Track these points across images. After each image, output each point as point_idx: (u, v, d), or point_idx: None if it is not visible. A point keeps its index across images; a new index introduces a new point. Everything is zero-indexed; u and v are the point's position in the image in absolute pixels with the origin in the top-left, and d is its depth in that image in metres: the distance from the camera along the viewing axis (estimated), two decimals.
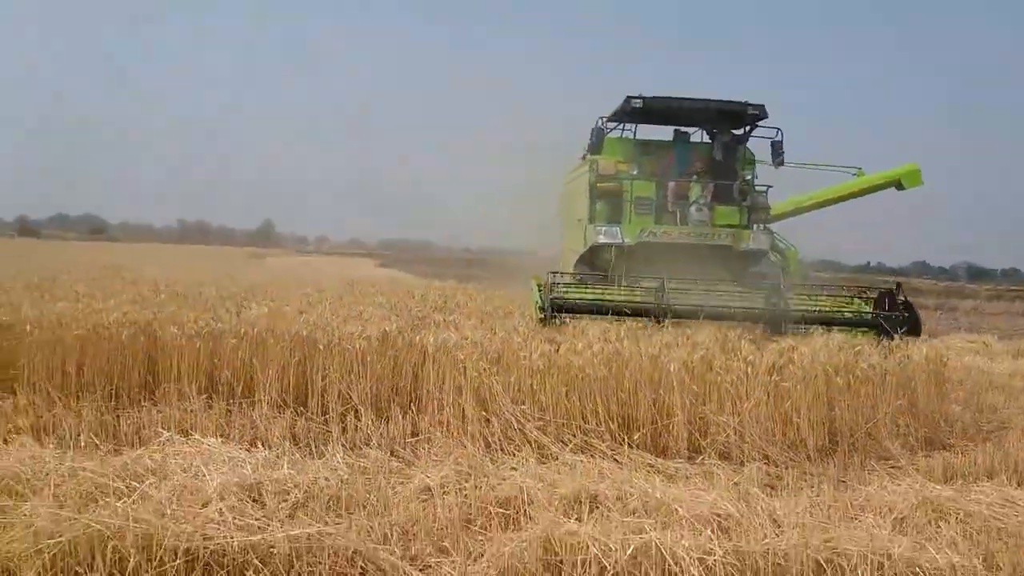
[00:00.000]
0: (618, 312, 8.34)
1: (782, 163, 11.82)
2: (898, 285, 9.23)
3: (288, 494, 4.23)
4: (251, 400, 6.32)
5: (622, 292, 9.12)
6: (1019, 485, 5.07)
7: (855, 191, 14.79)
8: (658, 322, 8.17)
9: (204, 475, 4.21)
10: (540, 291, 8.84)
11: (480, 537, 3.94)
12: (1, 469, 4.17)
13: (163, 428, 5.46)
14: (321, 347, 6.38)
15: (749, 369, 6.21)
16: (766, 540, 3.74)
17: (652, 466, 5.47)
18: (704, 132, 13.03)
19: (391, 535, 3.83)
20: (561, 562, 3.54)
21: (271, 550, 3.50)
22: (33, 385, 6.20)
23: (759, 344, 6.71)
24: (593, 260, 11.92)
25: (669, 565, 3.50)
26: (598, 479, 4.73)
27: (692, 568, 3.47)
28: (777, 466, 5.73)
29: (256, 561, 3.43)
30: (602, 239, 11.44)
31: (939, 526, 4.19)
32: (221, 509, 3.80)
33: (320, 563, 3.50)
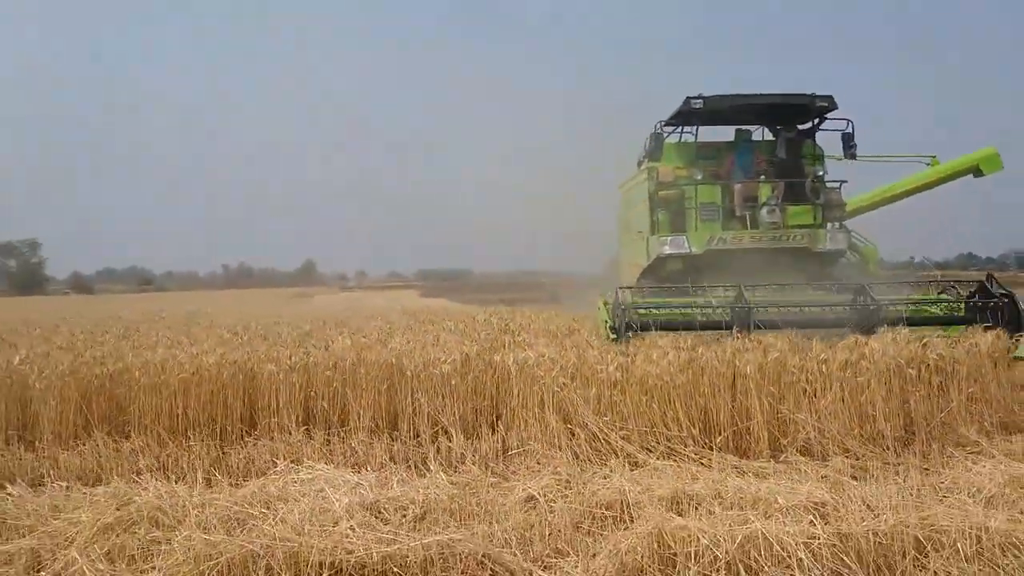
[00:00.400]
0: (695, 327, 7.84)
1: (854, 156, 11.24)
2: (990, 276, 8.65)
3: (407, 509, 4.56)
4: (346, 428, 6.68)
5: (697, 304, 8.54)
6: None
7: (931, 181, 13.99)
8: (741, 335, 7.47)
9: (329, 497, 4.56)
10: (608, 309, 8.42)
11: (591, 538, 4.21)
12: (145, 504, 4.54)
13: (274, 459, 5.84)
14: (408, 373, 6.72)
15: (823, 367, 6.41)
16: (865, 523, 3.96)
17: (737, 467, 5.68)
18: (766, 130, 12.42)
19: (511, 540, 4.11)
20: (675, 554, 3.80)
21: (406, 558, 3.81)
22: (144, 427, 6.62)
23: (830, 342, 6.87)
24: (658, 272, 11.29)
25: (777, 551, 3.74)
26: (691, 480, 5.00)
27: (799, 552, 3.70)
28: (859, 458, 5.91)
29: (395, 569, 3.75)
30: (667, 250, 10.88)
31: None
32: (352, 526, 4.13)
33: (452, 567, 3.81)
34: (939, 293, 8.89)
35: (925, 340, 7.00)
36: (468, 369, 6.87)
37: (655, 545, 3.83)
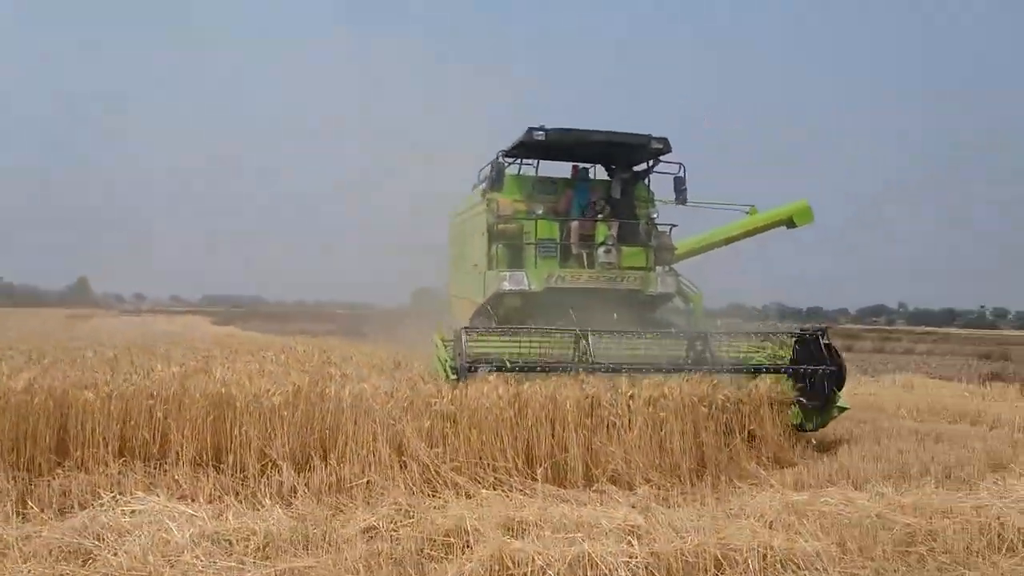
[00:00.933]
0: (537, 368, 7.76)
1: (684, 201, 11.25)
2: (823, 329, 8.90)
3: (249, 540, 4.63)
4: (167, 460, 6.50)
5: (540, 344, 8.40)
6: (855, 488, 6.19)
7: (748, 230, 13.95)
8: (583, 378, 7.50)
9: (168, 528, 4.53)
10: (446, 347, 8.10)
11: (435, 563, 4.49)
12: None
13: (96, 490, 5.62)
14: (238, 404, 6.67)
15: (630, 403, 7.10)
16: (672, 543, 4.55)
17: (556, 495, 6.18)
18: (603, 168, 12.25)
19: (358, 567, 4.31)
20: (512, 575, 4.18)
21: None
22: None
23: (635, 380, 7.56)
24: (496, 309, 10.70)
25: (601, 568, 4.22)
26: (520, 508, 5.40)
27: (620, 570, 4.21)
28: (660, 488, 6.61)
29: None
30: (507, 286, 10.37)
31: (802, 523, 5.15)
32: (198, 555, 4.18)
33: None
34: (777, 346, 9.06)
35: (715, 382, 7.86)
36: (300, 401, 6.92)
37: (496, 567, 4.20)
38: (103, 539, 4.43)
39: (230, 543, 4.52)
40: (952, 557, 4.89)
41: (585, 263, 10.93)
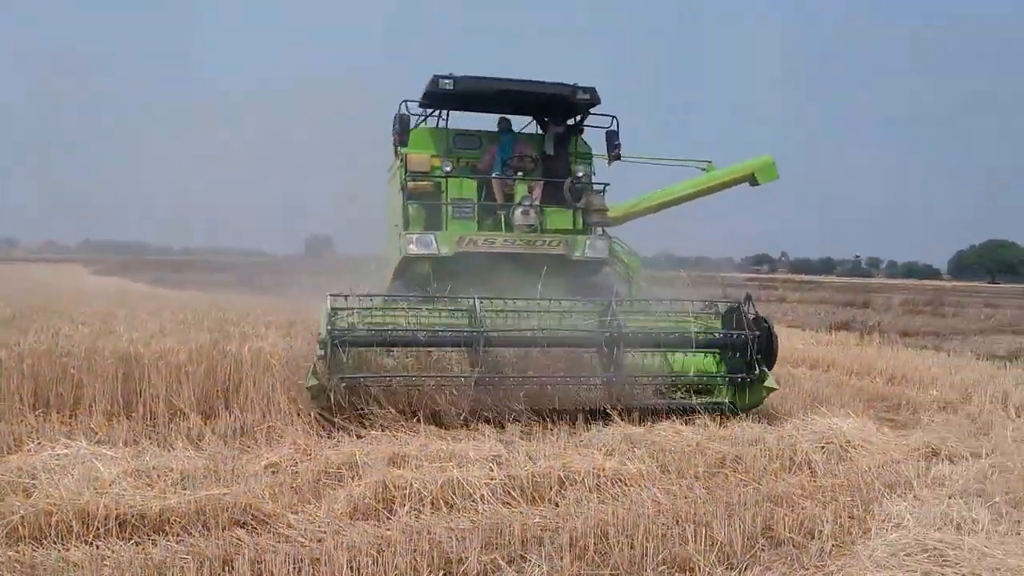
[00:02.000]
0: (420, 344, 7.33)
1: (618, 157, 10.61)
2: (748, 297, 8.24)
3: (168, 475, 5.39)
4: (80, 410, 7.13)
5: (429, 317, 7.79)
6: (685, 423, 7.39)
7: (703, 188, 12.84)
8: (474, 357, 7.26)
9: (95, 467, 5.24)
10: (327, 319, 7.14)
11: (330, 489, 5.39)
12: None
13: (18, 439, 6.24)
14: (146, 361, 7.34)
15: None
16: (526, 467, 5.60)
17: (437, 435, 7.14)
18: (536, 122, 11.45)
19: (264, 495, 5.15)
20: (394, 496, 5.13)
21: (180, 510, 4.72)
22: None
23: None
24: (406, 274, 10.25)
25: (466, 489, 5.23)
26: (404, 445, 6.34)
27: (481, 488, 5.22)
28: (527, 426, 7.65)
29: (174, 518, 4.65)
30: (413, 249, 9.78)
31: (634, 451, 6.31)
32: (125, 488, 4.93)
33: (220, 516, 4.77)
34: (694, 315, 8.42)
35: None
36: (202, 358, 7.64)
37: (380, 490, 5.14)
38: (38, 477, 5.08)
39: (151, 478, 5.27)
40: (750, 476, 6.12)
41: (504, 227, 10.26)
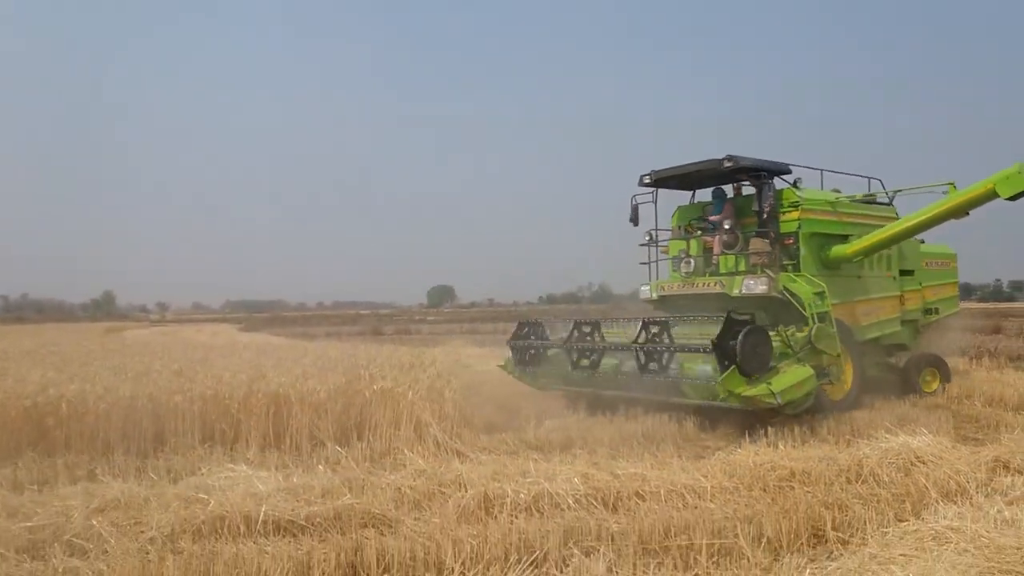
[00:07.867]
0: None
1: (764, 213, 11.48)
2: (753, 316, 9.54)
3: (312, 490, 6.57)
4: (239, 443, 8.52)
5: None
6: (758, 443, 8.00)
7: (943, 211, 11.69)
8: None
9: (254, 484, 6.50)
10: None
11: (442, 499, 6.42)
12: (123, 494, 6.28)
13: (194, 465, 7.64)
14: (293, 400, 8.68)
15: None
16: (609, 482, 6.46)
17: (535, 459, 8.08)
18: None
19: (389, 504, 6.23)
20: (493, 504, 6.10)
21: (321, 515, 5.86)
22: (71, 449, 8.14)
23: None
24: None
25: (554, 498, 6.14)
26: (504, 466, 7.32)
27: (568, 498, 6.12)
28: (612, 449, 8.46)
29: (317, 520, 5.79)
30: (641, 293, 12.94)
31: (711, 470, 7.02)
32: (279, 499, 6.13)
33: (352, 519, 5.88)
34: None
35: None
36: (340, 395, 8.94)
37: (482, 499, 6.13)
38: (212, 492, 6.37)
39: (297, 493, 6.47)
40: (816, 487, 6.68)
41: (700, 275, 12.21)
